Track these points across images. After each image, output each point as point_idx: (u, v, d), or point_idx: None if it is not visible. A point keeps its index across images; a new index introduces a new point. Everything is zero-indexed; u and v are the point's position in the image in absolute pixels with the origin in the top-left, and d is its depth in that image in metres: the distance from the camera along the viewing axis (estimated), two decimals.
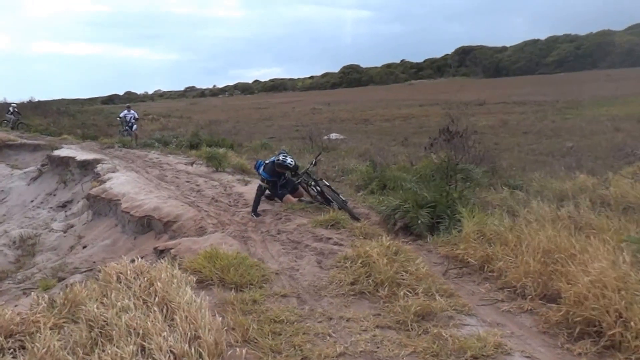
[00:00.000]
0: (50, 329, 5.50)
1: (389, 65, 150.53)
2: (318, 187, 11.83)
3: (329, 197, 11.55)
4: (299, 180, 12.35)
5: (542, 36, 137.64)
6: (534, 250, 6.84)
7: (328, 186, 11.76)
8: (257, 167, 13.05)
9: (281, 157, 12.08)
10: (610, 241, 6.56)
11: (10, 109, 45.10)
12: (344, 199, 11.58)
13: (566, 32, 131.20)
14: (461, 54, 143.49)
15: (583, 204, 8.57)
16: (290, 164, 12.04)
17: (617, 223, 7.57)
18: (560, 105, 44.75)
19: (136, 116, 32.64)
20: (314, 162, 12.74)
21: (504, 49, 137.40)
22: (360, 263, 7.57)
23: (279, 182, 12.39)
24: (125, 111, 32.78)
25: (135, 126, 32.12)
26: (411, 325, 5.95)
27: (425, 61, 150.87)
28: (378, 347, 5.57)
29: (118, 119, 34.09)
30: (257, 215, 11.57)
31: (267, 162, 12.55)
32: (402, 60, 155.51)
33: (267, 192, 12.52)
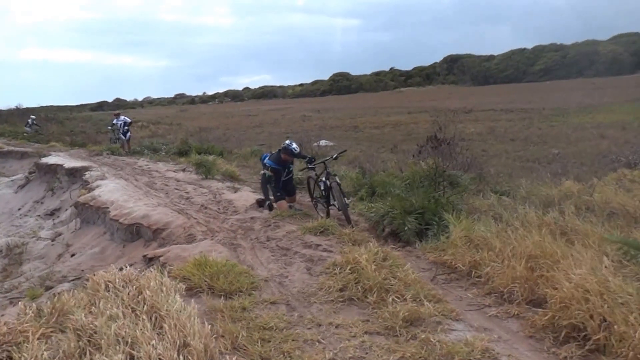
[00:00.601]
0: (38, 338, 5.43)
1: (378, 73, 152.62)
2: (328, 182, 11.42)
3: (334, 195, 11.27)
4: (313, 166, 12.15)
5: (529, 45, 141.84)
6: (520, 256, 6.92)
7: (339, 185, 11.26)
8: (262, 159, 13.12)
9: (287, 142, 12.31)
10: (594, 246, 6.65)
11: (29, 121, 44.17)
12: (347, 202, 11.25)
13: (552, 42, 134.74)
14: (449, 62, 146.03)
15: (568, 210, 8.68)
16: (295, 149, 12.11)
17: (600, 229, 7.67)
18: (547, 112, 45.79)
19: (128, 121, 30.59)
20: (335, 156, 12.32)
21: (492, 57, 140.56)
22: (349, 269, 7.56)
23: (282, 175, 12.37)
24: (115, 119, 31.19)
25: (129, 133, 30.30)
26: (400, 330, 5.96)
27: (414, 69, 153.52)
28: (367, 353, 5.58)
29: (109, 127, 32.98)
30: (271, 207, 12.30)
31: (272, 152, 12.83)
32: (391, 68, 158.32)
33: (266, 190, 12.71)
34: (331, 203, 11.51)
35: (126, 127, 29.96)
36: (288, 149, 12.10)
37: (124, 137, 29.68)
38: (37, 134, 42.84)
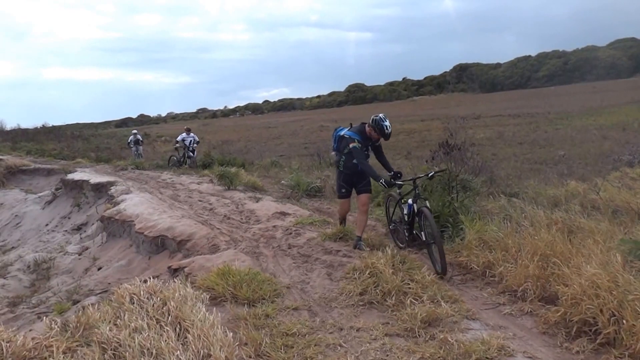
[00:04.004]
0: (64, 352, 5.53)
1: (391, 83, 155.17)
2: (415, 206, 8.90)
3: (423, 223, 8.63)
4: (401, 183, 9.37)
5: (533, 52, 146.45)
6: (532, 255, 7.07)
7: (430, 211, 8.60)
8: (334, 136, 10.33)
9: (380, 115, 9.52)
10: (601, 243, 6.76)
11: (132, 137, 35.25)
12: (432, 238, 8.34)
13: (555, 48, 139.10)
14: (459, 71, 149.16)
15: (574, 209, 8.79)
16: (387, 127, 9.41)
17: (605, 226, 7.76)
18: (552, 116, 46.84)
19: (197, 139, 29.08)
20: (430, 175, 9.45)
21: (498, 65, 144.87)
22: (368, 274, 7.71)
23: (362, 153, 9.56)
24: (184, 134, 28.69)
25: (195, 152, 28.46)
26: (418, 331, 6.11)
27: (425, 78, 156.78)
28: (387, 355, 5.70)
29: (176, 142, 29.44)
30: (359, 246, 9.64)
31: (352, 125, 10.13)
32: (403, 78, 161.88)
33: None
34: (414, 232, 9.06)
35: (195, 145, 28.58)
36: (379, 123, 9.42)
37: (193, 155, 28.08)
38: (139, 156, 34.05)
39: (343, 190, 10.17)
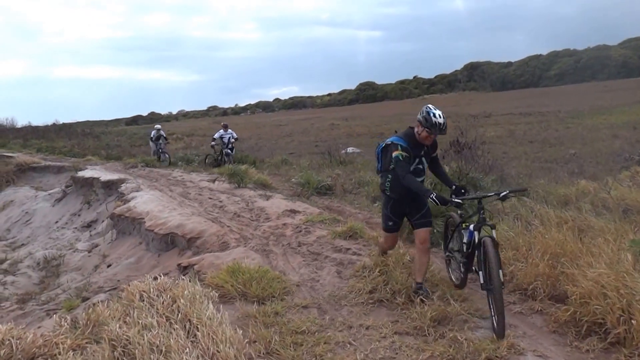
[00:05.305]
0: (73, 350, 5.57)
1: (402, 82, 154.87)
2: (477, 235, 6.62)
3: (482, 260, 6.37)
4: (460, 201, 6.83)
5: (544, 51, 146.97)
6: (542, 254, 7.05)
7: (495, 244, 6.29)
8: (378, 148, 7.66)
9: (429, 106, 7.08)
10: (612, 242, 6.73)
11: (154, 132, 31.56)
12: (502, 277, 6.08)
13: (566, 47, 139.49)
14: (470, 69, 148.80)
15: (585, 208, 8.77)
16: (438, 118, 6.87)
17: (616, 225, 7.73)
18: (563, 115, 46.75)
19: (235, 136, 26.96)
20: (502, 194, 6.72)
21: (510, 64, 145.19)
22: (378, 272, 7.75)
23: (409, 165, 7.15)
24: (222, 131, 26.72)
25: (234, 149, 26.67)
26: (428, 330, 6.14)
27: (436, 77, 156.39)
28: (397, 353, 5.72)
29: (213, 140, 27.42)
30: (421, 292, 7.16)
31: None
32: (414, 77, 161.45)
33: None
34: (473, 269, 6.91)
35: (233, 140, 26.60)
36: (424, 111, 7.03)
37: (231, 153, 26.26)
38: (161, 154, 30.52)
39: (390, 223, 7.69)
